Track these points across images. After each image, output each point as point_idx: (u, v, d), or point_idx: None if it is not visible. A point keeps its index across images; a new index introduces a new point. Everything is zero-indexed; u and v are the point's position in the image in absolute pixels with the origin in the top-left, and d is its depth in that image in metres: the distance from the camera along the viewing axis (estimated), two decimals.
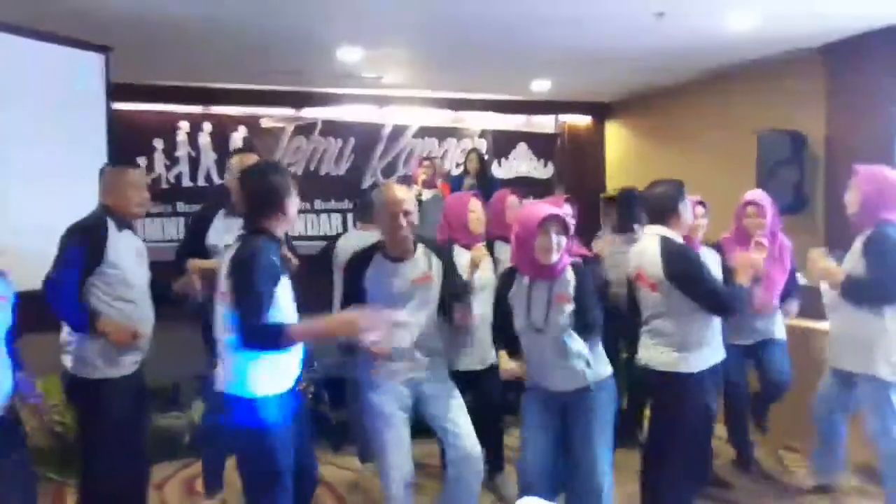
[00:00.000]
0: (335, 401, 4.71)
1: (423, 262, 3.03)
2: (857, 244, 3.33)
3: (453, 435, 3.03)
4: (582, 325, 2.86)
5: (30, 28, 4.18)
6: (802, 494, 3.73)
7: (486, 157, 7.52)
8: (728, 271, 3.29)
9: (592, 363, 2.86)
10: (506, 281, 3.05)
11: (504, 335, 3.05)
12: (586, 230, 3.79)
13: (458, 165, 7.85)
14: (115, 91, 4.91)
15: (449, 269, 3.09)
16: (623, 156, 8.78)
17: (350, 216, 7.59)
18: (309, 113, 7.68)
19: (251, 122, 7.42)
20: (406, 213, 2.92)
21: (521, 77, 7.15)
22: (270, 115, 7.52)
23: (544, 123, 8.78)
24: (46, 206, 3.68)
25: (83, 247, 2.91)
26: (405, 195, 2.98)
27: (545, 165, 8.71)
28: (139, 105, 6.85)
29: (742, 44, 5.71)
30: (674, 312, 3.08)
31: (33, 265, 2.92)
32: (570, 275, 2.90)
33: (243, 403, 2.49)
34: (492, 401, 3.67)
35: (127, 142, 6.23)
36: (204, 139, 7.22)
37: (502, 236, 3.63)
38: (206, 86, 7.07)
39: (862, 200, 3.30)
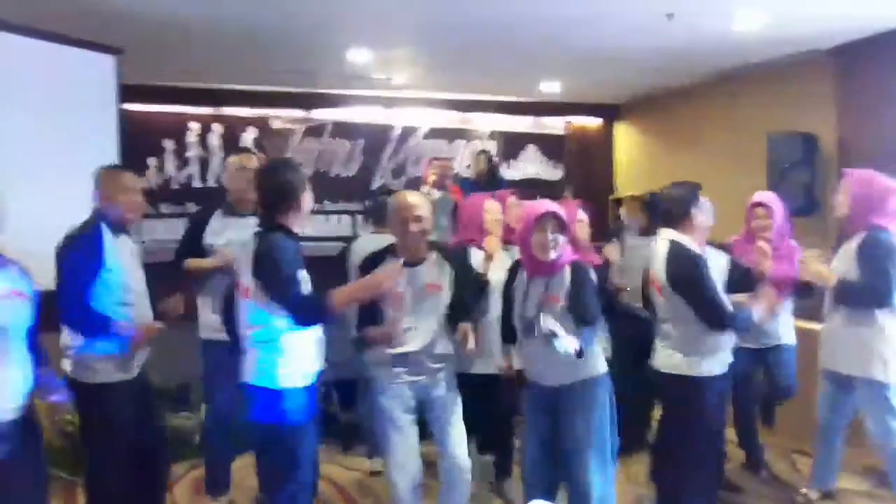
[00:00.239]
0: (344, 401, 4.71)
1: (434, 269, 3.03)
2: (850, 247, 3.34)
3: (446, 444, 3.06)
4: (575, 318, 2.84)
5: (42, 30, 4.21)
6: (810, 501, 3.71)
7: (494, 158, 7.51)
8: (740, 271, 3.27)
9: (585, 356, 2.81)
10: (512, 273, 3.09)
11: (508, 326, 3.07)
12: (595, 232, 3.76)
13: (467, 167, 7.86)
14: (126, 92, 4.95)
15: (462, 274, 3.09)
16: (632, 157, 8.76)
17: (359, 217, 7.59)
18: (319, 114, 7.70)
19: (261, 124, 7.46)
20: (417, 219, 2.93)
21: (530, 78, 7.15)
22: (280, 117, 7.56)
23: (553, 125, 8.78)
24: (56, 206, 3.69)
25: (82, 254, 2.87)
26: (417, 201, 2.99)
27: (554, 167, 8.70)
28: (150, 106, 6.90)
29: (752, 45, 5.69)
30: (677, 317, 3.08)
31: (42, 266, 2.92)
32: (567, 274, 2.90)
33: (267, 395, 2.55)
34: (501, 406, 3.66)
35: (138, 143, 6.27)
36: (214, 140, 7.26)
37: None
38: (216, 87, 7.12)
39: (853, 204, 3.33)
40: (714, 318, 2.99)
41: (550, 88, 7.55)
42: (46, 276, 2.91)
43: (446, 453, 3.06)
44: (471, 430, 3.17)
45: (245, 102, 7.38)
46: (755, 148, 6.17)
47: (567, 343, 2.68)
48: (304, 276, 2.59)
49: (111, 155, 4.54)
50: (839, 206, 3.41)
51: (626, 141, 8.88)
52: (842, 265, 3.33)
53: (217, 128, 7.28)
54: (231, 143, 7.18)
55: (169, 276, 3.48)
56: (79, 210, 3.08)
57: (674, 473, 3.18)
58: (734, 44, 5.64)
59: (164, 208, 7.04)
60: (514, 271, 3.09)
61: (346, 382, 4.55)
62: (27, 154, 3.99)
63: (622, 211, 5.02)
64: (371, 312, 2.96)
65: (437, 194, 5.97)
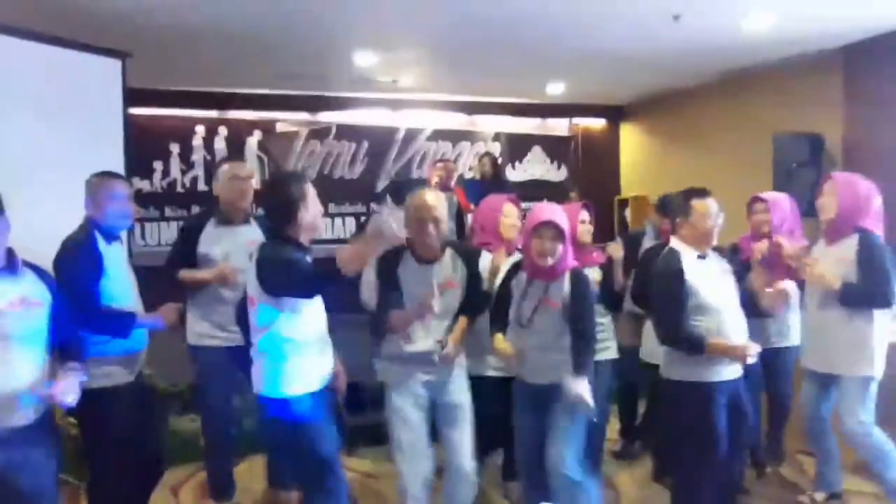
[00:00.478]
0: (349, 404, 4.71)
1: (449, 267, 3.04)
2: (840, 251, 3.35)
3: (453, 450, 3.06)
4: (574, 331, 2.91)
5: (48, 35, 4.23)
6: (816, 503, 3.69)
7: (499, 160, 7.50)
8: (744, 268, 3.27)
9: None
10: (512, 271, 3.12)
11: (499, 319, 3.07)
12: (599, 234, 3.76)
13: (470, 169, 7.86)
14: (132, 96, 4.96)
15: (473, 277, 3.09)
16: (638, 159, 8.74)
17: (364, 220, 7.62)
18: (324, 117, 7.71)
19: (266, 127, 7.47)
20: (435, 220, 2.94)
21: (535, 80, 7.14)
22: (285, 120, 7.57)
23: (558, 126, 8.77)
24: (63, 210, 3.70)
25: (83, 260, 2.86)
26: (435, 201, 2.98)
27: (559, 168, 8.69)
28: (156, 110, 6.91)
29: (759, 46, 5.67)
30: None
31: (49, 270, 2.93)
32: (566, 281, 2.95)
33: (277, 404, 2.60)
34: (507, 407, 3.64)
35: (144, 146, 6.31)
36: (220, 143, 7.28)
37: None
38: (221, 90, 7.14)
39: (841, 207, 3.36)
40: (661, 331, 2.99)
41: (555, 90, 7.54)
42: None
43: (454, 455, 3.05)
44: (476, 431, 3.16)
45: (250, 106, 7.39)
46: (761, 148, 6.15)
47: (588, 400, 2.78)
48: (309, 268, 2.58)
49: (117, 159, 4.55)
50: (826, 209, 3.42)
51: (632, 142, 8.86)
52: (838, 269, 3.33)
53: (222, 131, 7.30)
54: (236, 147, 7.21)
55: (166, 281, 3.47)
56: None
57: (674, 472, 3.21)
58: (741, 44, 5.62)
59: (169, 212, 7.07)
60: (513, 269, 3.13)
61: (351, 385, 4.54)
62: (34, 158, 4.00)
63: (627, 212, 5.02)
64: (388, 302, 2.98)
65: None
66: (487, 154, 7.05)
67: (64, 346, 2.47)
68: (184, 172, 7.17)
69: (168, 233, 6.89)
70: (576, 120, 8.81)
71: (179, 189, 7.14)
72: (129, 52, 4.72)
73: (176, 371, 4.39)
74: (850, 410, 3.37)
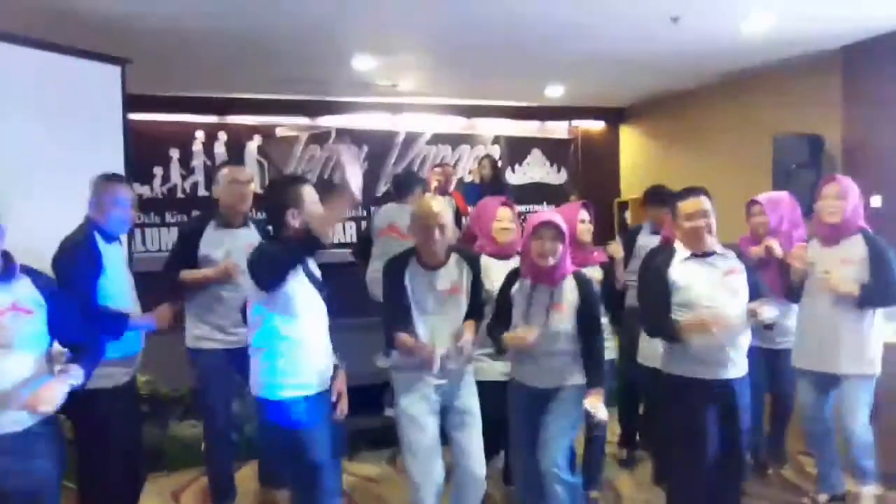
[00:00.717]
0: (351, 408, 4.70)
1: (454, 272, 3.04)
2: (849, 251, 3.36)
3: (463, 454, 3.05)
4: (586, 339, 2.97)
5: (48, 42, 4.23)
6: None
7: (499, 162, 7.51)
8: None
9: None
10: (510, 279, 3.11)
11: (499, 326, 3.06)
12: (600, 235, 3.76)
13: (470, 172, 7.86)
14: (132, 102, 4.96)
15: (478, 281, 3.10)
16: (638, 160, 8.75)
17: (364, 224, 7.62)
18: (324, 121, 7.72)
19: (266, 131, 7.49)
20: (441, 227, 2.94)
21: (534, 83, 7.15)
22: (285, 124, 7.58)
23: (558, 129, 8.78)
24: (63, 215, 3.71)
25: (81, 259, 2.87)
26: (440, 208, 2.98)
27: (559, 171, 8.70)
28: (156, 115, 6.92)
29: (757, 47, 5.68)
30: None
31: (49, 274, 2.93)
32: (571, 284, 2.98)
33: (273, 406, 2.61)
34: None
35: (143, 152, 6.32)
36: (220, 148, 7.30)
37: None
38: (221, 96, 7.15)
39: (850, 209, 3.40)
40: (642, 323, 3.17)
41: (555, 92, 7.55)
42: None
43: (464, 459, 3.04)
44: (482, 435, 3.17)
45: (250, 110, 7.41)
46: (761, 149, 6.15)
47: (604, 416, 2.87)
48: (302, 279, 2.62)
49: (117, 164, 4.55)
50: (836, 212, 3.40)
51: (632, 144, 8.87)
52: (844, 270, 3.33)
53: (222, 136, 7.32)
54: (236, 152, 7.22)
55: (165, 286, 3.48)
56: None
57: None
58: (741, 46, 5.63)
59: (170, 217, 7.07)
60: (512, 277, 3.11)
61: (351, 389, 4.54)
62: (34, 164, 4.01)
63: (627, 214, 5.02)
64: (398, 311, 2.99)
65: None
66: (487, 156, 7.03)
67: (76, 346, 2.47)
68: (184, 178, 7.18)
69: (168, 238, 6.90)
70: (575, 122, 8.82)
71: (180, 194, 7.16)
72: (128, 58, 4.73)
73: (177, 376, 4.38)
74: (853, 410, 3.38)
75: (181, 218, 7.02)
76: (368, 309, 4.36)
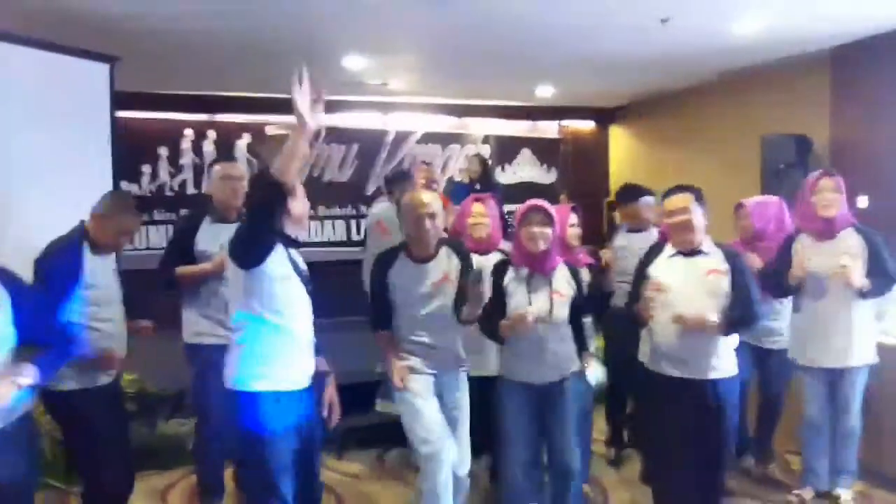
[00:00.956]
0: (340, 406, 4.69)
1: (444, 263, 3.06)
2: (844, 244, 3.42)
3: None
4: (579, 313, 3.06)
5: (36, 39, 4.20)
6: (804, 501, 3.70)
7: (488, 161, 7.51)
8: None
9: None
10: (500, 271, 3.09)
11: (493, 316, 3.01)
12: (590, 236, 3.78)
13: (460, 171, 7.86)
14: (121, 100, 4.93)
15: (467, 268, 3.09)
16: (627, 160, 8.78)
17: (353, 223, 7.63)
18: None
19: (256, 130, 7.45)
20: (431, 217, 2.95)
21: (524, 83, 7.16)
22: (275, 123, 7.55)
23: (548, 129, 8.80)
24: (51, 213, 3.69)
25: (60, 267, 2.86)
26: (430, 199, 3.00)
27: (549, 171, 8.71)
28: (144, 113, 6.89)
29: (747, 48, 5.71)
30: None
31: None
32: (564, 272, 3.05)
33: (242, 398, 2.45)
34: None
35: (132, 150, 6.29)
36: (209, 147, 7.26)
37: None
38: (210, 94, 7.12)
39: (843, 204, 3.48)
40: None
41: (545, 93, 7.57)
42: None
43: None
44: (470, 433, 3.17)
45: (239, 109, 7.38)
46: (750, 149, 6.18)
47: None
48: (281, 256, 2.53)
49: (105, 162, 4.54)
50: (832, 207, 3.44)
51: (621, 144, 8.90)
52: (842, 263, 3.36)
53: (211, 134, 7.29)
54: (225, 150, 7.18)
55: (154, 284, 3.47)
56: (73, 217, 3.08)
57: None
58: (730, 47, 5.66)
59: (158, 215, 7.04)
60: (501, 268, 3.09)
61: (341, 388, 4.53)
62: (21, 161, 3.98)
63: (616, 214, 5.02)
64: (381, 305, 3.06)
65: None
66: (476, 155, 7.02)
67: (36, 345, 2.34)
68: (172, 176, 7.15)
69: (156, 236, 6.87)
70: (565, 122, 8.84)
71: (168, 192, 7.12)
72: (117, 56, 4.71)
73: (166, 375, 4.37)
74: (855, 398, 3.50)
75: (169, 216, 6.99)
76: (356, 307, 4.35)
